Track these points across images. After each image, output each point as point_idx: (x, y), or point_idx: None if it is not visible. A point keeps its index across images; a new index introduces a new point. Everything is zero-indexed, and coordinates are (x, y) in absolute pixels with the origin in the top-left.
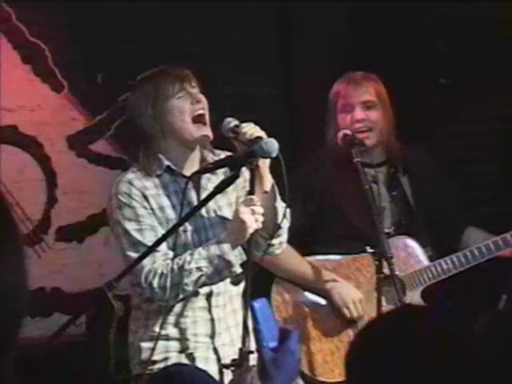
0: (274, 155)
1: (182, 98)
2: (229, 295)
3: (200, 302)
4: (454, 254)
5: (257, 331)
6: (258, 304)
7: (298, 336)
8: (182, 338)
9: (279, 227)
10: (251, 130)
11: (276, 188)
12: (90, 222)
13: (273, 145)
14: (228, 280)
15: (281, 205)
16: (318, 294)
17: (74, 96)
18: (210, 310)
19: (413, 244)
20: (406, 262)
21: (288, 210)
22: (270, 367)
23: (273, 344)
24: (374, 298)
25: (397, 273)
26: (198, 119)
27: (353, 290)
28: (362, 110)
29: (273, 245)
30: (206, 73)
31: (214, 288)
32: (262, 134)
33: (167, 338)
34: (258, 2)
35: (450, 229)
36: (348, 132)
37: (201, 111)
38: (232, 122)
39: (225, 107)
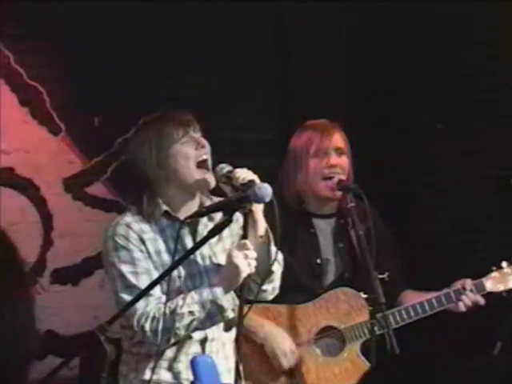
0: (267, 200)
1: (186, 144)
2: (221, 341)
3: (194, 347)
4: (396, 309)
5: None
6: (202, 360)
7: None
8: (175, 383)
9: (272, 272)
10: (244, 174)
11: (270, 233)
12: (85, 264)
13: (266, 190)
14: (221, 326)
15: (274, 250)
16: (254, 342)
17: (71, 139)
18: None
19: (355, 296)
20: (347, 314)
21: (280, 255)
22: None
23: None
24: (312, 349)
25: (336, 325)
26: (201, 165)
27: (284, 341)
28: (335, 156)
29: (265, 290)
30: (202, 116)
31: (209, 334)
32: (254, 177)
33: (159, 383)
34: (256, 43)
35: (388, 288)
36: (343, 177)
37: (205, 156)
38: (225, 167)
39: (221, 152)
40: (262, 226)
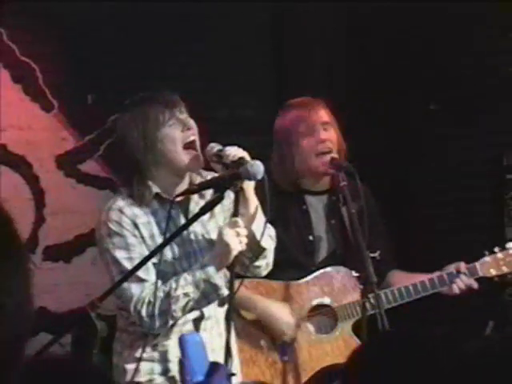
0: (259, 177)
1: (172, 126)
2: (216, 319)
3: (188, 325)
4: (388, 289)
5: (182, 365)
6: (189, 338)
7: (226, 371)
8: (167, 360)
9: (264, 249)
10: (234, 151)
11: (261, 210)
12: (77, 242)
13: (258, 167)
14: (215, 303)
15: (265, 226)
16: (246, 318)
17: (64, 116)
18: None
19: (348, 275)
20: (340, 293)
21: (273, 231)
22: None
23: (198, 378)
24: (305, 326)
25: (329, 303)
26: (189, 145)
27: (285, 313)
28: (323, 130)
29: (259, 266)
30: (198, 95)
31: (205, 312)
32: (245, 154)
33: (152, 360)
34: (253, 24)
35: (376, 266)
36: (335, 156)
37: (192, 137)
38: (215, 146)
39: (217, 131)
40: (253, 203)
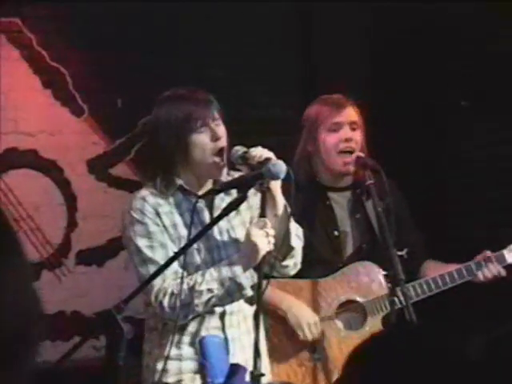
0: (281, 176)
1: (203, 133)
2: (243, 314)
3: (214, 321)
4: (416, 281)
5: (204, 367)
6: (210, 340)
7: (246, 373)
8: (196, 358)
9: (292, 248)
10: (259, 152)
11: (289, 209)
12: (110, 245)
13: (280, 166)
14: (241, 300)
15: (294, 225)
16: (276, 317)
17: (94, 120)
18: (223, 330)
19: (375, 270)
20: (368, 288)
21: (301, 231)
22: None
23: (219, 380)
24: (334, 323)
25: (357, 298)
26: (217, 153)
27: (308, 312)
28: (349, 129)
29: (287, 266)
30: (228, 95)
31: (227, 307)
32: (270, 155)
33: (180, 358)
34: (281, 24)
35: (409, 260)
36: (361, 154)
37: (220, 146)
38: (240, 149)
39: (244, 131)
40: (280, 202)
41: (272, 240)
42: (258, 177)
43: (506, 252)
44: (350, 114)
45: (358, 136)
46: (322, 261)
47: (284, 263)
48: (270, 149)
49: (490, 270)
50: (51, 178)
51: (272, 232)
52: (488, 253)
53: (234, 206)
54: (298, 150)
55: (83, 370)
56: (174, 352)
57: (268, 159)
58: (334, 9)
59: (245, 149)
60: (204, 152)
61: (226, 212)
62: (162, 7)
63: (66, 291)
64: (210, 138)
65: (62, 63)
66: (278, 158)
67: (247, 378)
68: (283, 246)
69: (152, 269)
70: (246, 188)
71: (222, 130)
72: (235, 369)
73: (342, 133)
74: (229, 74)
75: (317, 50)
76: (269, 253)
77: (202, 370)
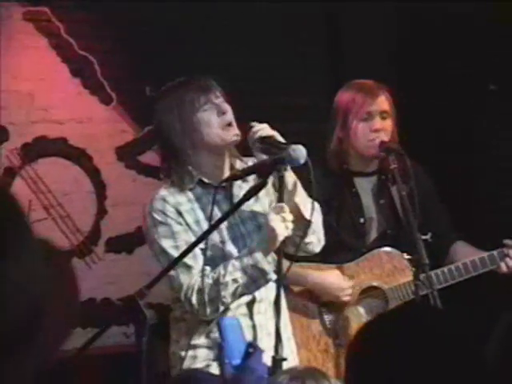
0: (302, 162)
1: (208, 111)
2: (269, 301)
3: (241, 309)
4: (439, 269)
5: (221, 348)
6: (227, 322)
7: (263, 354)
8: (214, 346)
9: (309, 222)
10: (261, 129)
11: (299, 184)
12: (139, 233)
13: (301, 151)
14: (269, 286)
15: (307, 200)
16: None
17: (123, 108)
18: (251, 317)
19: (398, 256)
20: (391, 275)
21: (317, 205)
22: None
23: (236, 361)
24: (356, 308)
25: (379, 285)
26: (226, 127)
27: (337, 277)
28: (379, 119)
29: (310, 242)
30: (252, 83)
31: (257, 295)
32: (273, 133)
33: (208, 346)
34: (307, 12)
35: (438, 242)
36: (385, 139)
37: (228, 120)
38: (257, 132)
39: (274, 117)
40: (291, 180)
41: (290, 225)
42: (278, 162)
43: None
44: (382, 102)
45: (388, 125)
46: (346, 246)
47: (307, 240)
48: (295, 135)
49: None
50: (80, 166)
51: (290, 217)
52: (511, 242)
53: (255, 192)
54: (330, 135)
55: (114, 356)
56: (202, 340)
57: (275, 140)
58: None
59: (262, 131)
60: (212, 128)
61: (247, 197)
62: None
63: (96, 278)
64: (216, 113)
65: (91, 52)
66: (303, 145)
67: (264, 358)
68: (299, 220)
69: (180, 269)
70: (266, 173)
71: (226, 106)
72: (251, 350)
73: (373, 123)
74: (252, 61)
75: (345, 38)
76: (288, 237)
77: (221, 351)
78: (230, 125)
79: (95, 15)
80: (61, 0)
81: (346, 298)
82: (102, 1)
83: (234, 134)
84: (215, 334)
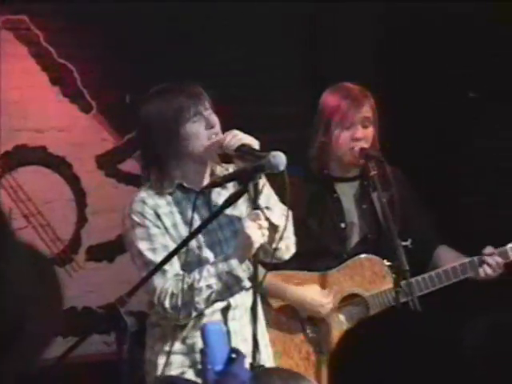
0: (282, 168)
1: (197, 123)
2: (245, 307)
3: (216, 315)
4: (420, 276)
5: (204, 353)
6: (210, 327)
7: (245, 359)
8: (195, 352)
9: (275, 226)
10: (235, 138)
11: (270, 188)
12: (119, 241)
13: (280, 158)
14: (244, 292)
15: (280, 206)
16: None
17: (103, 116)
18: (226, 323)
19: (380, 263)
20: (372, 282)
21: (290, 212)
22: None
23: (219, 367)
24: (337, 316)
25: (360, 292)
26: (213, 140)
27: (317, 293)
28: (361, 128)
29: (279, 248)
30: (233, 92)
31: (232, 301)
32: (249, 141)
33: (183, 352)
34: (288, 22)
35: (421, 247)
36: (365, 146)
37: (214, 135)
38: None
39: (250, 127)
40: (265, 189)
41: (266, 232)
42: (258, 169)
43: (509, 248)
44: (363, 109)
45: (369, 132)
46: (328, 252)
47: (274, 246)
48: (277, 144)
49: (490, 263)
50: (60, 175)
51: (265, 224)
52: (491, 248)
53: (235, 198)
54: (312, 138)
55: (95, 364)
56: (177, 346)
57: (258, 151)
58: (339, 8)
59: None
60: (199, 140)
61: (227, 204)
62: (172, 6)
63: (76, 287)
64: (204, 126)
65: (70, 60)
66: (285, 153)
67: (246, 364)
68: (272, 231)
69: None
70: (247, 180)
71: (214, 118)
72: (234, 356)
73: (355, 131)
74: (236, 72)
75: (322, 48)
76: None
77: (204, 356)
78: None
79: (74, 23)
80: (40, 8)
81: (326, 313)
82: (82, 9)
83: (217, 147)
84: (191, 340)
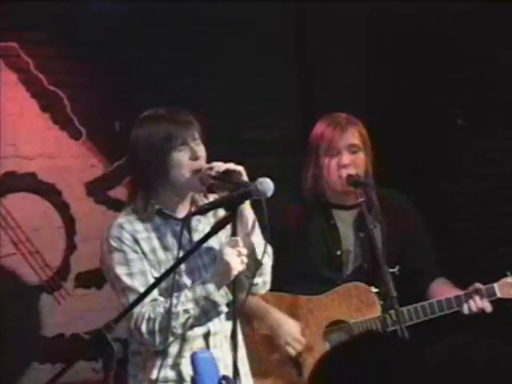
0: (269, 194)
1: (182, 152)
2: (225, 334)
3: (198, 342)
4: (406, 307)
5: (194, 381)
6: (200, 355)
7: None
8: (181, 380)
9: (260, 264)
10: (218, 165)
11: (257, 223)
12: None
13: (268, 184)
14: (223, 318)
15: (263, 242)
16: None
17: (93, 143)
18: (208, 350)
19: (366, 291)
20: (358, 310)
21: (269, 248)
22: None
23: None
24: (322, 342)
25: (346, 319)
26: (196, 172)
27: (293, 328)
28: (348, 154)
29: (256, 284)
30: (224, 118)
31: (211, 327)
32: (231, 167)
33: (166, 380)
34: (279, 45)
35: (420, 278)
36: (352, 172)
37: (199, 166)
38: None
39: (244, 152)
40: (250, 218)
41: (245, 260)
42: (245, 195)
43: (496, 286)
44: (351, 137)
45: (358, 158)
46: (321, 278)
47: (253, 281)
48: (269, 169)
49: (476, 304)
50: (50, 201)
51: (244, 251)
52: (479, 285)
53: (222, 225)
54: (305, 169)
55: None
56: (162, 374)
57: (232, 172)
58: (331, 28)
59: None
60: (182, 170)
61: (214, 231)
62: (160, 30)
63: (65, 314)
64: (189, 156)
65: (60, 87)
66: (276, 178)
67: None
68: (252, 262)
69: (131, 296)
70: (233, 207)
71: (201, 149)
72: (224, 382)
73: (341, 158)
74: (228, 96)
75: (315, 72)
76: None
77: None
78: (199, 171)
79: (64, 51)
80: (30, 36)
81: (290, 351)
82: (71, 36)
83: (200, 184)
84: (178, 368)
